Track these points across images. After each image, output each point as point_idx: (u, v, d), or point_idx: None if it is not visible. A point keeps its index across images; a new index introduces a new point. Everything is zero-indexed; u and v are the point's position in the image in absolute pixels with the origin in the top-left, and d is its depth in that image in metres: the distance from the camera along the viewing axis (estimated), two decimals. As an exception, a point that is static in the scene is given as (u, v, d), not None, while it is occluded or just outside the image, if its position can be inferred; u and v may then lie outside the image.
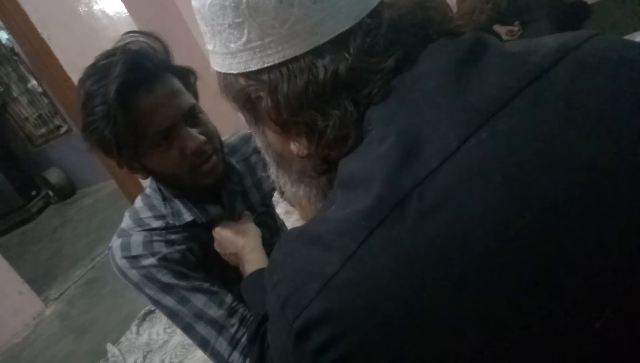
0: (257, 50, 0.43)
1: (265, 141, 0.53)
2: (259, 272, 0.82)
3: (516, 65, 0.40)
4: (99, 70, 0.77)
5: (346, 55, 0.41)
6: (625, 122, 0.36)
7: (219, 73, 0.49)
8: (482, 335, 0.34)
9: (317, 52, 0.42)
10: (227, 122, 2.09)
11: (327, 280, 0.36)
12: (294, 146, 0.47)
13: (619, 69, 0.39)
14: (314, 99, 0.42)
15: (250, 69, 0.44)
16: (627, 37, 2.26)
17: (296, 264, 0.40)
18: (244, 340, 0.82)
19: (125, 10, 2.79)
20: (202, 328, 0.83)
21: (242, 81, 0.46)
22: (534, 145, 0.36)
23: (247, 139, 1.06)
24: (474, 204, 0.35)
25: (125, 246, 0.85)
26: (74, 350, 2.86)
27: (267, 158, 0.56)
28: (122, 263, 0.84)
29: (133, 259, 0.84)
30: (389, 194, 0.36)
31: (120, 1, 2.78)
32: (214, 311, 0.83)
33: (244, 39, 0.43)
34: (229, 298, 0.86)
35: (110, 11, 2.81)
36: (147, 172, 0.86)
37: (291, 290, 0.39)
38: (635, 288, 0.34)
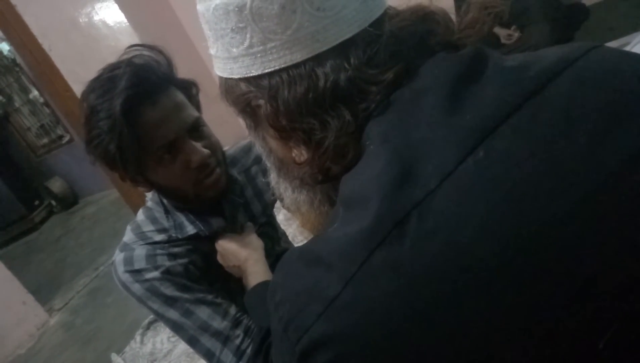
0: (259, 55, 0.43)
1: (266, 146, 0.53)
2: (262, 285, 0.82)
3: (514, 81, 0.39)
4: (102, 84, 0.77)
5: (346, 65, 0.41)
6: (625, 138, 0.36)
7: (220, 77, 0.49)
8: (483, 356, 0.34)
9: (318, 59, 0.42)
10: (229, 129, 2.09)
11: (329, 303, 0.36)
12: (293, 152, 0.48)
13: (618, 83, 0.38)
14: (313, 107, 0.42)
15: (251, 74, 0.44)
16: (625, 38, 2.25)
17: (297, 285, 0.40)
18: (249, 350, 0.82)
19: (125, 20, 2.80)
20: (206, 340, 0.83)
21: (242, 86, 0.46)
22: (531, 163, 0.36)
23: (246, 150, 1.06)
24: (472, 225, 0.35)
25: (128, 260, 0.85)
26: (78, 360, 2.86)
27: (268, 164, 0.55)
28: (125, 277, 0.84)
29: (136, 273, 0.84)
30: (387, 216, 0.36)
31: (121, 11, 2.79)
32: (219, 323, 0.83)
33: (246, 43, 0.43)
34: (232, 309, 0.86)
35: (111, 21, 2.81)
36: (150, 185, 0.86)
37: (293, 312, 0.39)
38: (638, 307, 0.34)
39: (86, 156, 0.83)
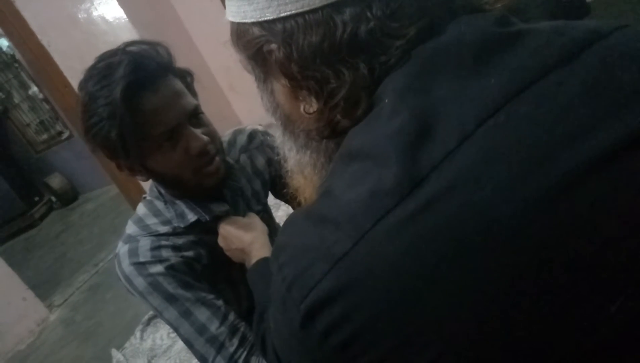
0: None
1: (273, 101, 0.51)
2: (265, 260, 0.81)
3: (542, 48, 0.39)
4: (100, 71, 0.77)
5: (368, 15, 0.40)
6: None
7: (232, 23, 0.48)
8: (495, 315, 0.34)
9: (337, 6, 0.40)
10: (228, 125, 2.09)
11: (337, 260, 0.36)
12: (302, 105, 0.46)
13: None
14: (328, 56, 0.41)
15: (265, 18, 0.43)
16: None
17: (303, 244, 0.40)
18: (241, 361, 0.82)
19: (124, 16, 2.80)
20: (201, 346, 0.83)
21: (255, 30, 0.45)
22: (553, 129, 0.35)
23: (231, 143, 1.06)
24: (491, 186, 0.34)
25: (133, 252, 0.85)
26: (78, 356, 2.86)
27: (274, 120, 0.54)
28: (130, 270, 0.84)
29: (141, 266, 0.83)
30: (406, 176, 0.35)
31: (119, 7, 2.78)
32: (216, 328, 0.83)
33: None
34: (231, 315, 0.86)
35: (110, 17, 2.81)
36: (149, 174, 0.85)
37: (298, 271, 0.38)
38: None
39: (86, 152, 0.83)
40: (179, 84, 0.83)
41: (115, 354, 2.53)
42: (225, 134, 1.08)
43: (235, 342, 0.83)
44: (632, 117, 0.35)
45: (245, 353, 0.82)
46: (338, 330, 0.36)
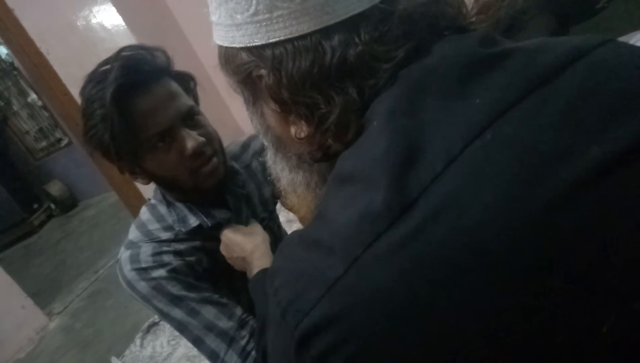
0: (264, 24, 0.41)
1: (264, 123, 0.51)
2: (265, 272, 0.81)
3: (526, 67, 0.39)
4: (97, 76, 0.79)
5: (356, 40, 0.40)
6: (634, 131, 0.35)
7: (220, 47, 0.48)
8: (487, 339, 0.33)
9: (325, 32, 0.40)
10: (228, 130, 2.09)
11: (330, 285, 0.36)
12: (292, 128, 0.46)
13: (631, 78, 0.37)
14: (317, 81, 0.41)
15: (254, 44, 0.43)
16: (623, 38, 2.24)
17: (297, 269, 0.40)
18: (254, 352, 0.81)
19: (123, 23, 2.80)
20: (211, 341, 0.82)
21: (244, 55, 0.45)
22: (540, 148, 0.35)
23: (245, 146, 1.06)
24: (478, 208, 0.34)
25: (135, 258, 0.85)
26: (78, 364, 2.85)
27: (265, 142, 0.54)
28: (131, 275, 0.83)
29: (142, 271, 0.83)
30: (395, 200, 0.35)
31: (118, 14, 2.78)
32: (224, 323, 0.83)
33: (252, 10, 0.41)
34: (238, 310, 0.85)
35: (108, 24, 2.81)
36: (148, 176, 0.85)
37: (292, 297, 0.38)
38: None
39: (85, 159, 0.83)
40: (174, 87, 0.82)
41: (115, 362, 2.52)
42: (237, 139, 1.08)
43: (246, 334, 0.83)
44: (617, 133, 0.35)
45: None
46: (332, 356, 0.36)
